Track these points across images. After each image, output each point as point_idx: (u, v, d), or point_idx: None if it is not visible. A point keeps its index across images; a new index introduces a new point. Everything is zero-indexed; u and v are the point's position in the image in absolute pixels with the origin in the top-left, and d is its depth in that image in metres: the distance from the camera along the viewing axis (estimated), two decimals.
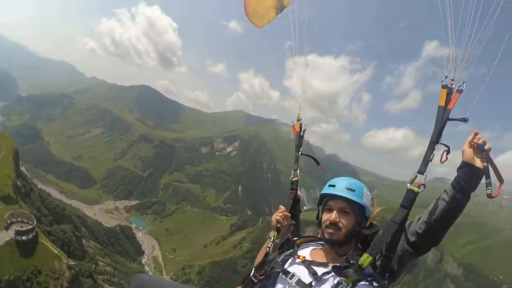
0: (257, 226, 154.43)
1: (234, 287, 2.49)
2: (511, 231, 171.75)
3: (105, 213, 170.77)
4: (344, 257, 2.27)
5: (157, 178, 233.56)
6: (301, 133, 3.47)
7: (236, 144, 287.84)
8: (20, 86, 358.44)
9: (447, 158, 2.37)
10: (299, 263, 2.43)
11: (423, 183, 2.22)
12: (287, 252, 2.59)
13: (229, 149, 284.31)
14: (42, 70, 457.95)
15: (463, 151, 2.21)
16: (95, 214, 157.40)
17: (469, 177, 2.13)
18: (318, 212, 2.63)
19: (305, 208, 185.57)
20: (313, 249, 2.64)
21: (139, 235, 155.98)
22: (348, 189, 2.44)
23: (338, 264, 2.23)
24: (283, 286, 2.35)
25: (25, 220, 61.44)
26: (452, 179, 2.24)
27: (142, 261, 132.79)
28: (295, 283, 2.28)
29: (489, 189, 2.15)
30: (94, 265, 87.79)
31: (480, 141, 2.16)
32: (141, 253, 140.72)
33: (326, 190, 2.54)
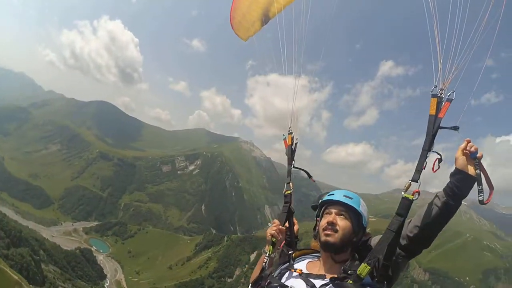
0: (223, 245, 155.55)
1: None
2: (472, 234, 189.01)
3: (64, 235, 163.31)
4: (342, 268, 2.26)
5: (117, 198, 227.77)
6: (293, 147, 3.50)
7: (198, 163, 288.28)
8: None
9: (439, 166, 2.40)
10: (296, 277, 2.41)
11: (417, 190, 2.24)
12: (283, 266, 2.60)
13: (191, 168, 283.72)
14: None
15: (456, 159, 2.27)
16: (53, 236, 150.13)
17: (462, 184, 2.19)
18: (316, 222, 2.66)
19: (269, 225, 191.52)
20: (309, 261, 2.64)
21: (100, 258, 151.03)
22: (346, 196, 2.52)
23: (336, 276, 2.20)
24: None
25: None
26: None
27: (105, 286, 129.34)
28: None
29: (481, 195, 2.19)
30: None
31: (472, 149, 2.23)
32: (103, 277, 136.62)
33: (326, 198, 2.63)
